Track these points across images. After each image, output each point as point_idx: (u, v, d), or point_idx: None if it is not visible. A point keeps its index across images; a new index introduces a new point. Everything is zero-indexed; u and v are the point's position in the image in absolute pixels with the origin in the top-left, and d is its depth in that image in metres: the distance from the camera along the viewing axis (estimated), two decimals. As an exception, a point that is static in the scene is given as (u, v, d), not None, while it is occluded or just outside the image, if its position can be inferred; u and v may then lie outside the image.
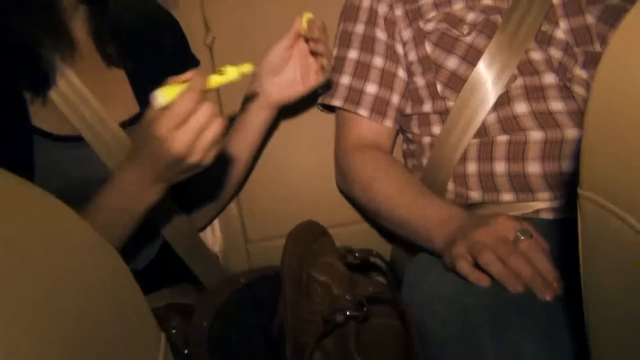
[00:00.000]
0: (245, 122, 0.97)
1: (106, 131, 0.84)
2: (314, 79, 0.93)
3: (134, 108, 0.91)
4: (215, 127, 0.66)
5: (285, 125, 1.15)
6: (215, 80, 0.70)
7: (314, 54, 0.91)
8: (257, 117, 0.96)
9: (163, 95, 0.66)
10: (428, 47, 0.96)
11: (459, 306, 0.73)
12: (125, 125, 0.88)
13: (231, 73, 0.71)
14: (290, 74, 0.94)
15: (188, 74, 0.68)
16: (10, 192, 0.39)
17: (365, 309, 0.70)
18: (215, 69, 1.15)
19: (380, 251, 1.15)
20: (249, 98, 0.96)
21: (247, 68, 0.73)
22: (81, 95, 0.82)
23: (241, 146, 0.98)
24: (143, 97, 0.90)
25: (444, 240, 0.80)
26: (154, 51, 0.96)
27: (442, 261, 0.80)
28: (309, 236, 0.82)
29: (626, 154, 0.40)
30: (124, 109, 0.90)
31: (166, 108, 0.65)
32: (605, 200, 0.42)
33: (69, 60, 0.82)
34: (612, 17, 0.89)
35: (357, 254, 0.84)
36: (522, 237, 0.72)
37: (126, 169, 0.72)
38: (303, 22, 0.89)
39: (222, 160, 0.97)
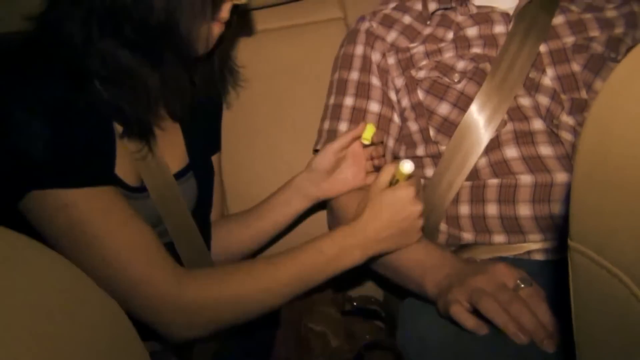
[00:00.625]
0: (282, 205, 1.01)
1: (165, 185, 0.87)
2: (364, 179, 0.98)
3: (184, 160, 0.95)
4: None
5: (279, 145, 1.20)
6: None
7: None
8: (295, 205, 1.01)
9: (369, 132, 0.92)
10: (420, 94, 0.98)
11: (454, 350, 0.73)
12: (177, 176, 0.92)
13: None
14: (342, 173, 0.99)
15: None
16: (17, 253, 0.40)
17: (364, 360, 0.71)
18: None
19: (376, 288, 1.17)
20: (295, 185, 1.00)
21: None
22: (151, 150, 0.85)
23: (267, 226, 1.03)
24: (193, 150, 0.97)
25: (436, 285, 0.81)
26: (204, 107, 1.00)
27: (435, 306, 0.80)
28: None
29: (615, 211, 0.41)
30: (177, 161, 0.94)
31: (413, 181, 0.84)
32: (596, 254, 0.43)
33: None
34: (597, 65, 0.92)
35: (354, 302, 0.85)
36: (523, 285, 0.73)
37: (360, 223, 0.83)
38: (367, 134, 0.93)
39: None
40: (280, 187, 1.03)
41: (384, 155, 0.98)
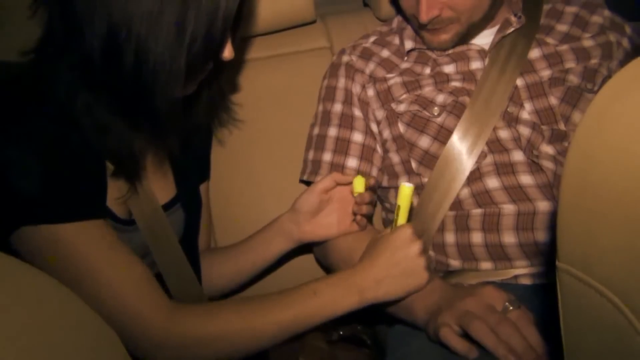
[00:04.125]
0: (262, 244, 1.00)
1: (154, 217, 0.87)
2: (349, 226, 0.98)
3: (173, 191, 0.95)
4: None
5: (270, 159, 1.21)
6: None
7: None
8: (277, 245, 1.00)
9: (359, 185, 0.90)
10: (401, 127, 1.01)
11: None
12: (166, 207, 0.91)
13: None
14: (327, 217, 0.98)
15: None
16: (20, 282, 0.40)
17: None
18: None
19: (363, 318, 1.17)
20: (278, 225, 0.99)
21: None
22: (140, 183, 0.84)
23: (247, 264, 1.02)
24: (181, 181, 0.96)
25: (425, 311, 0.81)
26: (193, 137, 0.99)
27: (425, 332, 0.81)
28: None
29: (601, 233, 0.42)
30: (165, 192, 0.93)
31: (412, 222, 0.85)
32: (583, 273, 0.44)
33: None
34: (574, 97, 0.96)
35: (341, 332, 0.85)
36: (511, 308, 0.74)
37: (361, 265, 0.83)
38: (358, 186, 0.92)
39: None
40: (266, 225, 1.02)
41: (371, 203, 0.96)
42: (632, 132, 0.40)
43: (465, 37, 1.01)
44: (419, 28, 1.00)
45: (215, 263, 1.03)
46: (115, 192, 0.81)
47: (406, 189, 0.83)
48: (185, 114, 0.88)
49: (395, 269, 0.82)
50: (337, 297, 0.81)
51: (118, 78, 0.72)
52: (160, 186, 0.92)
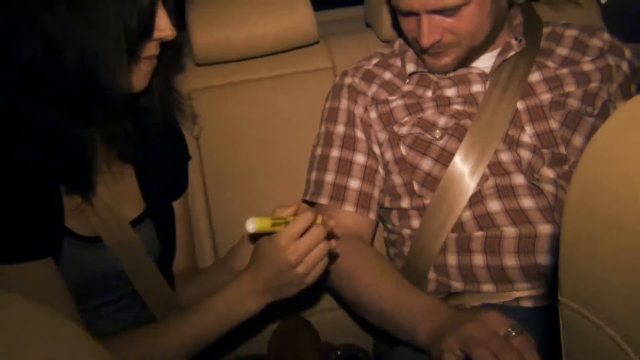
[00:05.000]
0: (228, 274, 0.96)
1: (121, 232, 0.86)
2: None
3: (140, 206, 0.93)
4: (323, 247, 0.80)
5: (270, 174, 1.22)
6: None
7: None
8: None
9: (254, 225, 0.77)
10: (403, 150, 1.02)
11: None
12: (135, 223, 0.91)
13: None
14: None
15: (289, 210, 0.83)
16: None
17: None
18: (202, 161, 1.21)
19: (363, 337, 1.18)
20: (241, 256, 0.96)
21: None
22: (102, 199, 0.84)
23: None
24: (149, 194, 0.94)
25: (428, 334, 0.82)
26: (161, 148, 0.98)
27: (429, 354, 0.82)
28: (292, 338, 0.84)
29: (604, 265, 0.43)
30: (133, 207, 0.92)
31: (289, 226, 0.78)
32: (585, 310, 0.45)
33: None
34: (574, 121, 0.97)
35: (338, 352, 0.85)
36: (514, 333, 0.75)
37: (243, 276, 0.82)
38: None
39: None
40: (236, 254, 0.99)
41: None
42: (634, 161, 0.41)
43: (466, 60, 1.02)
44: (421, 52, 1.01)
45: (187, 285, 1.02)
46: (75, 209, 0.80)
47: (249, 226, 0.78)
48: (138, 114, 0.89)
49: (279, 278, 0.80)
50: (233, 307, 0.83)
51: (63, 77, 0.72)
52: (127, 200, 0.91)
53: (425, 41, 0.95)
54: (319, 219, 0.81)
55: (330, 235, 0.82)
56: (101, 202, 0.84)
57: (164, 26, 0.78)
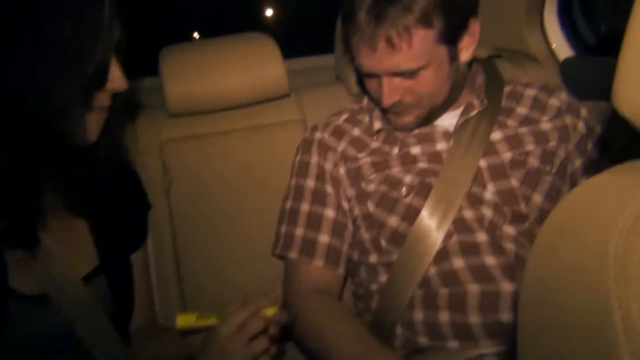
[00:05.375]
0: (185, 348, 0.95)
1: (71, 289, 0.84)
2: None
3: (94, 260, 0.91)
4: (262, 342, 0.81)
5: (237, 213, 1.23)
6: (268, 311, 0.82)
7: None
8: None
9: (180, 321, 0.81)
10: (371, 206, 1.04)
11: None
12: (88, 278, 0.88)
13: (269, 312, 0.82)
14: None
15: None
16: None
17: None
18: (172, 211, 1.21)
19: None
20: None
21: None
22: (50, 254, 0.82)
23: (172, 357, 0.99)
24: (104, 249, 0.92)
25: None
26: (117, 201, 0.97)
27: None
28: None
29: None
30: (86, 262, 0.90)
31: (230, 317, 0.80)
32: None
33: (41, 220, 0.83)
34: (534, 180, 1.01)
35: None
36: None
37: None
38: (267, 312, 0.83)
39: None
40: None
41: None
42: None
43: (428, 118, 1.06)
44: (383, 111, 1.05)
45: (139, 346, 0.99)
46: (20, 266, 0.78)
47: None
48: (91, 165, 0.88)
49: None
50: None
51: (17, 121, 0.72)
52: (79, 255, 0.89)
53: (386, 101, 0.98)
54: (270, 311, 0.82)
55: (285, 327, 0.84)
56: (49, 257, 0.82)
57: (116, 77, 0.79)
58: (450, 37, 0.95)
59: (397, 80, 0.97)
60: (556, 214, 0.48)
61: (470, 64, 1.07)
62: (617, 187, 0.44)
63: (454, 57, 0.98)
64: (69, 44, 0.72)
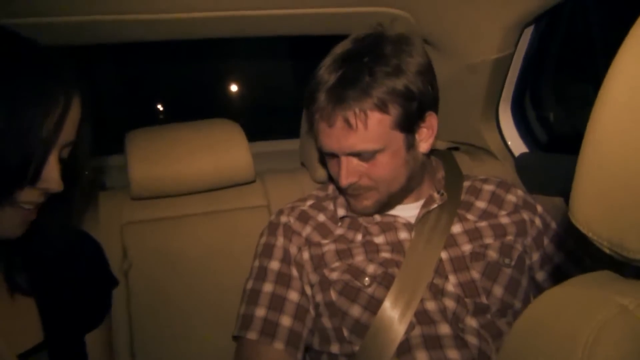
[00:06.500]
0: None
1: None
2: None
3: (38, 336, 0.87)
4: None
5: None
6: None
7: None
8: None
9: None
10: (333, 295, 1.03)
11: None
12: (28, 354, 0.84)
13: None
14: None
15: None
16: None
17: None
18: (129, 296, 1.18)
19: None
20: None
21: None
22: None
23: None
24: (51, 325, 0.88)
25: None
26: (69, 276, 0.93)
27: None
28: None
29: None
30: (27, 338, 0.86)
31: None
32: None
33: None
34: (494, 272, 1.03)
35: None
36: None
37: None
38: None
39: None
40: None
41: None
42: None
43: (387, 205, 1.08)
44: (343, 192, 1.07)
45: None
46: None
47: None
48: (33, 247, 0.85)
49: None
50: None
51: None
52: (19, 330, 0.85)
53: (343, 181, 1.02)
54: None
55: None
56: None
57: (51, 178, 0.76)
58: (406, 126, 1.00)
59: (355, 161, 1.01)
60: (522, 322, 0.49)
61: (429, 156, 1.12)
62: (583, 298, 0.46)
63: (410, 145, 1.02)
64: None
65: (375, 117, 0.96)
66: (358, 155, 1.00)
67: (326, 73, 0.99)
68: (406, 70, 0.97)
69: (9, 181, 0.72)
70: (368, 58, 0.97)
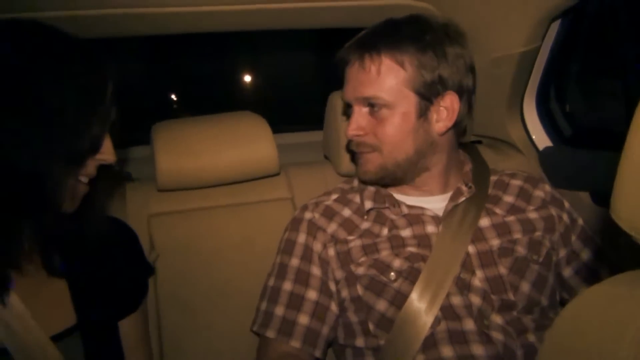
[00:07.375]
0: None
1: (36, 346, 0.82)
2: None
3: (71, 319, 0.90)
4: None
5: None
6: None
7: None
8: None
9: None
10: (359, 289, 1.04)
11: None
12: (61, 336, 0.87)
13: None
14: None
15: None
16: None
17: None
18: (157, 287, 1.19)
19: None
20: None
21: None
22: (15, 309, 0.82)
23: None
24: (84, 308, 0.91)
25: None
26: (105, 262, 0.96)
27: None
28: None
29: None
30: (59, 319, 0.88)
31: None
32: None
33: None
34: (522, 268, 1.02)
35: None
36: None
37: None
38: None
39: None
40: None
41: None
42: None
43: (394, 179, 1.10)
44: (349, 151, 1.11)
45: None
46: None
47: None
48: (71, 231, 0.89)
49: None
50: None
51: (7, 178, 0.76)
52: (51, 312, 0.88)
53: (351, 129, 1.06)
54: None
55: None
56: (13, 312, 0.82)
57: (107, 149, 0.86)
58: (421, 91, 1.02)
59: (364, 110, 1.06)
60: (564, 320, 0.49)
61: (457, 149, 1.12)
62: (627, 296, 0.46)
63: (423, 113, 1.04)
64: (67, 113, 0.78)
65: (388, 65, 1.02)
66: (369, 105, 1.04)
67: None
68: (435, 45, 1.02)
69: (84, 153, 0.82)
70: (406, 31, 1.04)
